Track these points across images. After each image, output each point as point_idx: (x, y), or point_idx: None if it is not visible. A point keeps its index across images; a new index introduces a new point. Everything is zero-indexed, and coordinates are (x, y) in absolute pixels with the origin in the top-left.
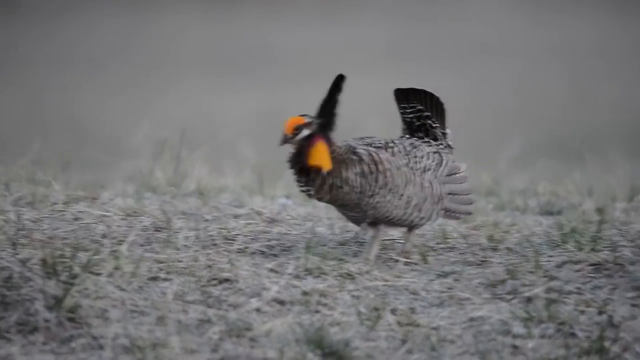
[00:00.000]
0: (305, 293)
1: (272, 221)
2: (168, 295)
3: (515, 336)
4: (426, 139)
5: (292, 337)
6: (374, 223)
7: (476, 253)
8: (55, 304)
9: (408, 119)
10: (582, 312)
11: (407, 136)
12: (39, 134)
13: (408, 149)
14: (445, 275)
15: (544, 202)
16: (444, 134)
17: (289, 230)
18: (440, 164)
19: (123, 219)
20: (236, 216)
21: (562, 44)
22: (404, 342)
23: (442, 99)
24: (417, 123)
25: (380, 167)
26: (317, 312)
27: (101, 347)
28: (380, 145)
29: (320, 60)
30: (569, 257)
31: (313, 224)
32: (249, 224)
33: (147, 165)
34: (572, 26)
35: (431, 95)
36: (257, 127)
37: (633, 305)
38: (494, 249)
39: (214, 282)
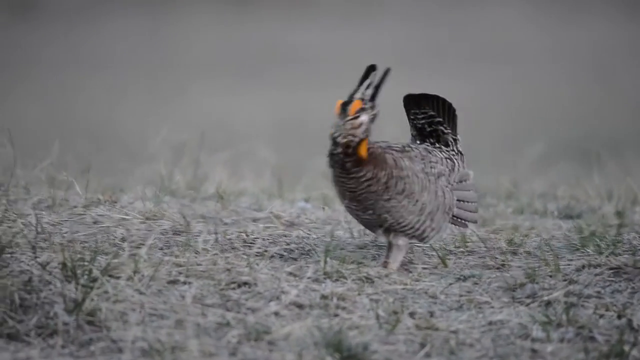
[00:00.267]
0: (324, 297)
1: (291, 225)
2: (187, 299)
3: (534, 340)
4: (437, 145)
5: (311, 340)
6: (388, 230)
7: (495, 257)
8: (75, 307)
9: (419, 125)
10: (602, 316)
11: (418, 142)
12: (58, 137)
13: (423, 153)
14: (464, 279)
15: (564, 205)
16: (455, 140)
17: (308, 234)
18: (452, 170)
19: (142, 223)
20: (255, 220)
21: (579, 48)
22: (422, 345)
23: (455, 105)
24: (429, 129)
25: (402, 173)
26: (336, 315)
27: (120, 351)
28: (398, 149)
29: (339, 63)
30: (588, 260)
31: (332, 227)
32: (268, 227)
33: (167, 169)
34: (590, 29)
35: (443, 100)
36: (276, 130)
37: None
38: (513, 253)
39: (233, 285)
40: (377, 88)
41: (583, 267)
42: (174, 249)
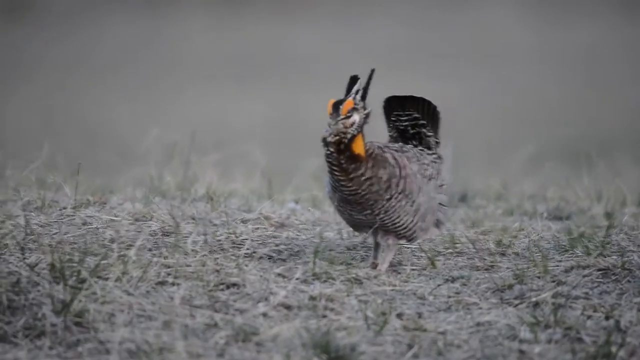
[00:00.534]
0: (312, 298)
1: (280, 226)
2: (175, 300)
3: (522, 341)
4: (420, 147)
5: (299, 341)
6: (377, 230)
7: (484, 258)
8: (63, 308)
9: (402, 127)
10: (589, 317)
11: (401, 144)
12: (49, 137)
13: (418, 155)
14: (452, 280)
15: (553, 207)
16: (437, 143)
17: (298, 235)
18: (439, 173)
19: (132, 224)
20: (245, 221)
21: (569, 49)
22: (410, 346)
23: (441, 107)
24: (412, 131)
25: (403, 172)
26: (324, 316)
27: (108, 352)
28: (396, 149)
29: (331, 65)
30: (577, 262)
31: (321, 228)
32: (258, 228)
33: (157, 170)
34: (579, 30)
35: (429, 103)
36: (268, 131)
37: None
38: (502, 254)
39: (222, 286)
40: (365, 89)
41: (571, 268)
42: (163, 250)
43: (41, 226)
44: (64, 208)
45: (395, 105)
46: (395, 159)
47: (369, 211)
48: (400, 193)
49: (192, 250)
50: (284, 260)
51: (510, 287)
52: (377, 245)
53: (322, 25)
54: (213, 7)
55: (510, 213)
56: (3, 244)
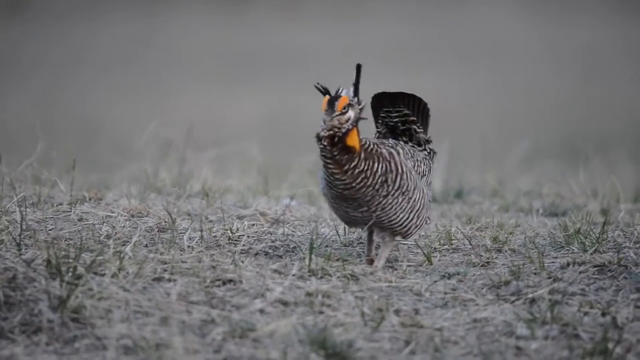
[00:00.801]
0: (309, 294)
1: (276, 222)
2: (172, 296)
3: (518, 337)
4: (411, 144)
5: (295, 338)
6: (372, 227)
7: (480, 254)
8: (59, 304)
9: (391, 123)
10: (586, 313)
11: (394, 140)
12: (46, 134)
13: (411, 152)
14: (449, 276)
15: (549, 203)
16: (427, 141)
17: (293, 232)
18: (430, 170)
19: (127, 220)
20: (240, 217)
21: (568, 46)
22: (407, 343)
23: (431, 105)
24: (402, 127)
25: (400, 169)
26: (321, 313)
27: (104, 348)
28: (391, 145)
29: (327, 63)
30: (573, 258)
31: (317, 225)
32: (254, 224)
33: (153, 166)
34: (579, 28)
35: (419, 100)
36: (264, 128)
37: (637, 307)
38: (498, 250)
39: (218, 282)
40: (356, 85)
41: (568, 264)
42: (159, 246)
43: (37, 222)
44: (60, 204)
45: (385, 102)
46: (391, 154)
47: (365, 208)
48: (397, 190)
49: (188, 247)
50: (280, 256)
51: (507, 283)
52: (370, 241)
53: (320, 23)
54: (211, 5)
55: (506, 209)
56: None
